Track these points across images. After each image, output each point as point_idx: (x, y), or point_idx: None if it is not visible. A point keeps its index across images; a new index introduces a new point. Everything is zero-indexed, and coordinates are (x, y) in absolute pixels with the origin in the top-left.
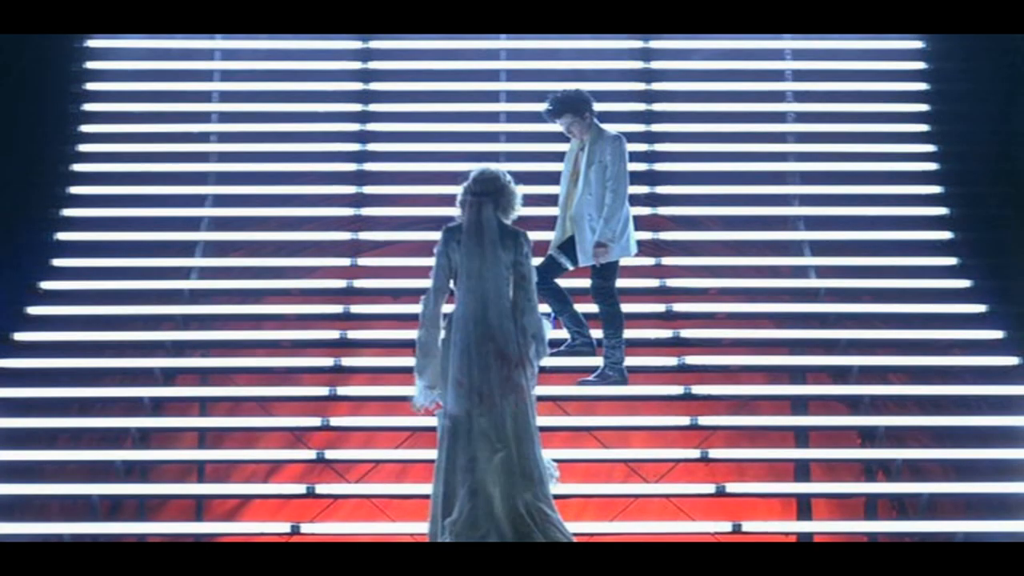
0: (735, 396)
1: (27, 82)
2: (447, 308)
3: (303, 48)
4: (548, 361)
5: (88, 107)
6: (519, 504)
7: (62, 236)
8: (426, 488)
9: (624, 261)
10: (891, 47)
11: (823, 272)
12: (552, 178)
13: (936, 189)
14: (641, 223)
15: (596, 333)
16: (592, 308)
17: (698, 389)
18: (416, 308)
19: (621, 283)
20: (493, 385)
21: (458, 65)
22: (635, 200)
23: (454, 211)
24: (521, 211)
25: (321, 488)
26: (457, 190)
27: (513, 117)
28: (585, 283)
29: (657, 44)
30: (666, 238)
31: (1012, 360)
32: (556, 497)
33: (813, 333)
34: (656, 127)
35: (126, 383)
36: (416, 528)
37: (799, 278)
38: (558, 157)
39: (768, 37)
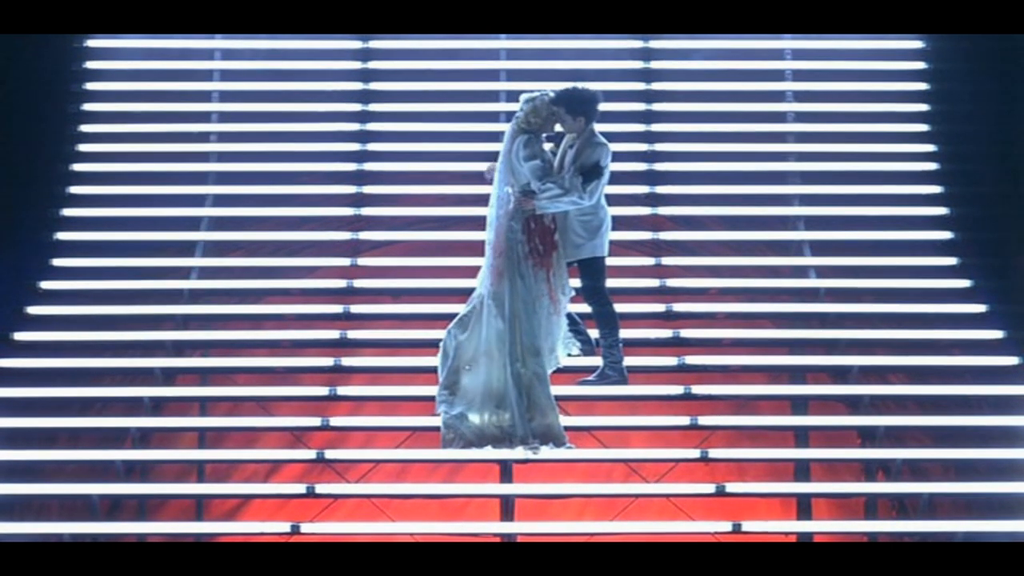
0: (735, 396)
1: (27, 82)
2: None
3: (303, 48)
4: None
5: (88, 107)
6: (517, 371)
7: (62, 236)
8: (426, 488)
9: (624, 261)
10: (891, 47)
11: (823, 272)
12: None
13: (936, 189)
14: (641, 223)
15: (595, 333)
16: (588, 308)
17: (698, 389)
18: (416, 308)
19: (621, 283)
20: (485, 275)
21: (458, 65)
22: (635, 200)
23: (455, 211)
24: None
25: (321, 488)
26: (456, 189)
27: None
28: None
29: (657, 44)
30: (666, 238)
31: (1012, 360)
32: (556, 497)
33: (813, 333)
34: (656, 127)
35: (126, 383)
36: (416, 528)
37: (799, 278)
38: None
39: (768, 37)
